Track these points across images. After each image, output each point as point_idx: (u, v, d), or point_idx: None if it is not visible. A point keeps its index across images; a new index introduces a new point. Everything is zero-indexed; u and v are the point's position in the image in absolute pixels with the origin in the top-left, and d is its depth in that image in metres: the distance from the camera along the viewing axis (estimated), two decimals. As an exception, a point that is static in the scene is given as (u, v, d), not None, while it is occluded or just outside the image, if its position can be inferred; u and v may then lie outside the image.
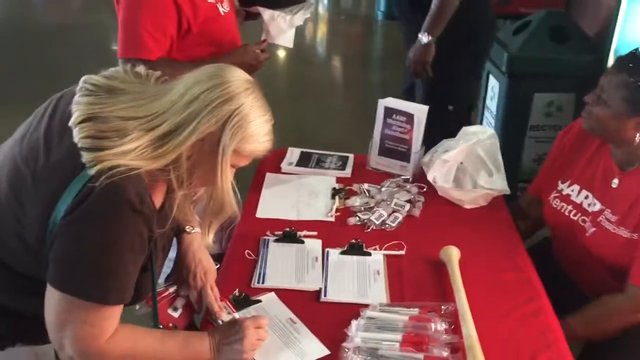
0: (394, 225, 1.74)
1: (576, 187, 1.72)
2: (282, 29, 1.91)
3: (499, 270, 1.58)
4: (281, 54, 5.44)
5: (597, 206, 1.64)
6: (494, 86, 3.31)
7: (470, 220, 1.81)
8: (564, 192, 1.74)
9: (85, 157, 1.08)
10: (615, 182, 1.62)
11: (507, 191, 1.86)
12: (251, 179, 1.97)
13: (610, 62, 2.88)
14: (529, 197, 1.93)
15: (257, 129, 1.18)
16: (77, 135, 1.11)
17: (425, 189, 1.92)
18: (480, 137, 1.91)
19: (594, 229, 1.63)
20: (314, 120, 4.24)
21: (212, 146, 1.15)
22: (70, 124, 1.13)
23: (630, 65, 1.51)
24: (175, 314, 1.43)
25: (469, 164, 1.90)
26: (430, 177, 1.87)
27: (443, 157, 1.85)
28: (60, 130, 1.17)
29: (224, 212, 1.23)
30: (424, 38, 2.47)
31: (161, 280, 1.45)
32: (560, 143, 1.83)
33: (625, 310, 1.53)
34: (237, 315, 1.35)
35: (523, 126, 3.16)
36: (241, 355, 1.25)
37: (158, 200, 1.19)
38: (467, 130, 1.96)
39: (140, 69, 1.26)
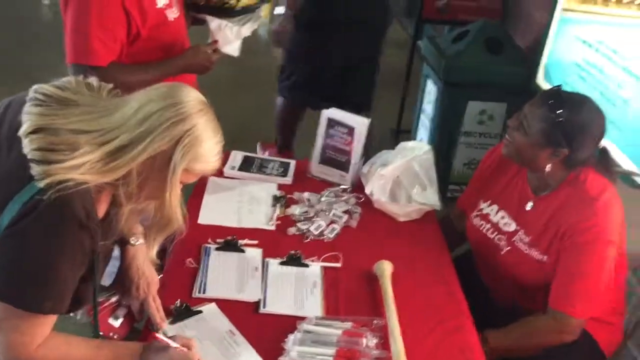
0: (331, 236, 1.82)
1: (495, 207, 1.85)
2: (228, 39, 1.92)
3: (427, 284, 1.69)
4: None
5: (513, 226, 1.78)
6: (431, 90, 3.43)
7: (404, 232, 1.91)
8: (484, 211, 1.87)
9: (35, 169, 1.10)
10: (529, 205, 1.76)
11: (439, 206, 1.98)
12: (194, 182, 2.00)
13: (540, 76, 3.05)
14: (458, 209, 2.05)
15: (208, 150, 1.22)
16: (27, 147, 1.12)
17: (362, 199, 2.01)
18: (417, 153, 2.01)
19: (508, 247, 1.77)
20: (257, 112, 4.25)
21: (162, 164, 1.18)
22: (20, 134, 1.13)
23: (551, 102, 1.62)
24: (116, 323, 1.46)
25: (404, 178, 2.00)
26: (367, 190, 1.96)
27: (380, 172, 1.94)
28: (8, 139, 1.18)
29: (170, 226, 1.27)
30: (277, 9, 2.75)
31: (107, 281, 1.47)
32: (485, 163, 1.96)
33: (550, 331, 1.64)
34: (173, 344, 1.34)
35: (456, 131, 3.31)
36: None
37: (102, 210, 1.21)
38: (405, 145, 2.06)
39: (93, 80, 1.27)
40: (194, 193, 1.95)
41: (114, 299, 1.48)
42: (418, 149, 2.03)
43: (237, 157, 2.16)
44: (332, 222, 1.87)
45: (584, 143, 1.63)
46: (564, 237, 1.65)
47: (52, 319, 1.18)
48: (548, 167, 1.67)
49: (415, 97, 3.73)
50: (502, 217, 1.81)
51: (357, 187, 2.06)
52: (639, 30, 2.34)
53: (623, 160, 2.33)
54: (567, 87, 1.74)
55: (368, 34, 2.95)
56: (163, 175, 1.19)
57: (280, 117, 3.19)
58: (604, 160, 1.73)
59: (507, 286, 1.79)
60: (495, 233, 1.81)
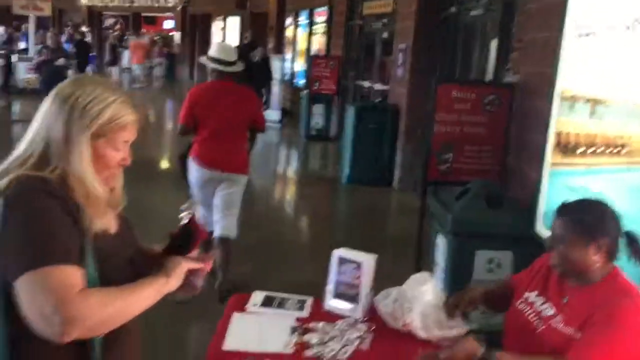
0: (344, 358, 1.98)
1: (541, 299, 2.03)
2: None
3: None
4: (255, 218, 5.83)
5: (552, 312, 1.97)
6: (440, 244, 3.69)
7: (413, 355, 2.05)
8: (530, 300, 2.07)
9: None
10: (565, 299, 1.96)
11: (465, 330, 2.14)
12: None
13: (539, 225, 3.31)
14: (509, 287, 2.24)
15: (101, 110, 1.43)
16: None
17: (374, 328, 2.18)
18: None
19: (543, 326, 1.95)
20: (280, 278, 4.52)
21: (69, 143, 1.42)
22: None
23: (571, 208, 1.94)
24: None
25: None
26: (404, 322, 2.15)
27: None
28: None
29: (95, 201, 1.44)
30: None
31: None
32: (534, 266, 2.18)
33: None
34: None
35: (468, 280, 3.50)
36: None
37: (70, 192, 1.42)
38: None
39: None
40: (220, 327, 2.15)
41: None
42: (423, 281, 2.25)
43: (258, 296, 2.38)
44: (345, 345, 2.04)
45: (612, 225, 1.89)
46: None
47: (72, 271, 1.33)
48: (598, 263, 1.88)
49: (430, 258, 3.97)
50: (546, 307, 1.99)
51: (370, 315, 2.24)
52: (612, 175, 2.65)
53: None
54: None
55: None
56: (72, 152, 1.42)
57: None
58: (634, 242, 1.91)
59: None
60: (536, 318, 1.99)
